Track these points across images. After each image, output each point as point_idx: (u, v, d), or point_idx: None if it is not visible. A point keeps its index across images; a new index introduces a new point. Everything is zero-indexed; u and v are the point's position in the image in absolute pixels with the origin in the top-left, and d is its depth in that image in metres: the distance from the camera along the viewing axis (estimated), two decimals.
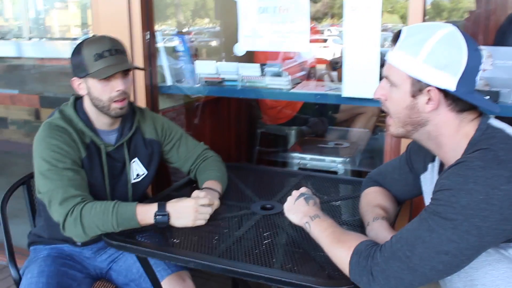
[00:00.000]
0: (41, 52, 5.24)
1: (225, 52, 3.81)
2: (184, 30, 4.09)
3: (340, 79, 3.70)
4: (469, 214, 1.17)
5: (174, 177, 2.91)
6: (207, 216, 1.79)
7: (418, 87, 1.31)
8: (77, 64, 1.86)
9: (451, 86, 1.28)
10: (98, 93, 1.85)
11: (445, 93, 1.30)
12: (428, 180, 1.59)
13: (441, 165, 1.51)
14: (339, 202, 2.01)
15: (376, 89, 1.42)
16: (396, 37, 1.36)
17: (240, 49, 2.52)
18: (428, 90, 1.30)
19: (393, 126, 1.42)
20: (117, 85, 1.84)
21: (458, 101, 1.31)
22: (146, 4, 2.52)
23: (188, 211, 1.76)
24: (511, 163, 1.19)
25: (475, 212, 1.16)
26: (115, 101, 1.85)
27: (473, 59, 1.28)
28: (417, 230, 1.25)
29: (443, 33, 1.28)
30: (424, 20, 2.08)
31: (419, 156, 1.63)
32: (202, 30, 4.64)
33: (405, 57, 1.31)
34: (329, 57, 4.41)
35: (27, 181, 2.26)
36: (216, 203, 1.88)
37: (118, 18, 2.52)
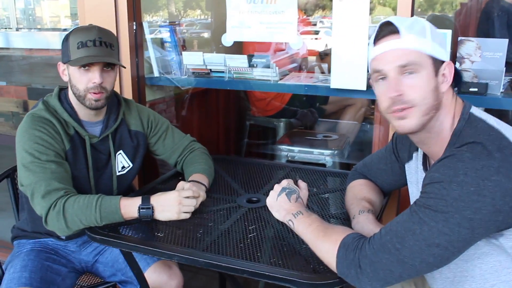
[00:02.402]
0: (30, 43, 5.17)
1: (214, 44, 3.78)
2: (175, 22, 4.05)
3: (329, 70, 3.70)
4: (460, 206, 1.16)
5: (162, 170, 2.89)
6: (192, 209, 1.77)
7: (437, 65, 1.33)
8: (64, 50, 1.84)
9: (448, 59, 1.35)
10: (76, 81, 1.83)
11: (453, 65, 1.35)
12: (413, 169, 1.58)
13: (424, 154, 1.50)
14: (327, 194, 2.00)
15: (391, 87, 1.32)
16: (385, 29, 1.34)
17: (227, 40, 2.49)
18: (445, 66, 1.33)
19: (416, 117, 1.32)
20: (94, 77, 1.80)
21: (455, 75, 1.36)
22: None
23: (171, 204, 1.74)
24: (497, 153, 1.19)
25: (467, 204, 1.16)
26: (90, 92, 1.82)
27: None
28: (407, 223, 1.25)
29: (424, 19, 1.36)
30: (413, 12, 2.06)
31: (404, 145, 1.63)
32: (194, 22, 4.61)
33: (418, 39, 1.31)
34: (321, 49, 4.40)
35: (11, 174, 2.23)
36: (202, 194, 1.85)
37: (104, 8, 2.48)
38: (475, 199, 1.15)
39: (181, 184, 1.86)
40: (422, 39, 1.31)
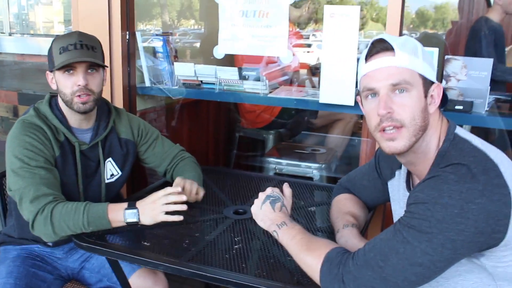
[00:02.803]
0: (22, 48, 5.16)
1: (205, 55, 3.81)
2: (169, 31, 4.07)
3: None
4: (444, 227, 1.18)
5: (151, 179, 2.89)
6: (173, 205, 1.76)
7: (427, 85, 1.34)
8: (49, 59, 1.88)
9: (436, 80, 1.36)
10: (62, 86, 1.85)
11: (441, 87, 1.36)
12: (395, 187, 1.60)
13: (408, 172, 1.52)
14: (314, 208, 2.02)
15: (382, 104, 1.31)
16: (378, 45, 1.35)
17: (219, 52, 2.52)
18: (434, 88, 1.35)
19: (405, 138, 1.32)
20: (78, 79, 1.82)
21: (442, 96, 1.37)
22: (127, 3, 2.51)
23: (155, 202, 1.75)
24: (482, 176, 1.20)
25: (450, 226, 1.17)
26: (77, 96, 1.83)
27: None
28: (391, 241, 1.26)
29: (413, 38, 1.37)
30: (401, 29, 2.10)
31: (387, 162, 1.65)
32: (187, 31, 4.63)
33: (411, 58, 1.32)
34: (312, 62, 4.43)
35: None
36: (201, 192, 1.96)
37: (97, 17, 2.51)
38: (459, 221, 1.17)
39: (178, 180, 1.93)
40: (415, 58, 1.32)
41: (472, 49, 3.42)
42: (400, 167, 1.57)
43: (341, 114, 3.58)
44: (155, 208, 1.75)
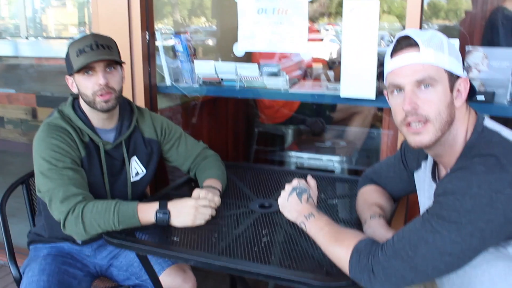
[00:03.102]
0: (38, 51, 5.23)
1: (220, 52, 3.83)
2: (181, 29, 4.10)
3: (337, 78, 3.74)
4: (473, 218, 1.19)
5: (171, 176, 2.93)
6: (207, 217, 1.81)
7: (453, 80, 1.34)
8: (66, 63, 1.91)
9: (463, 74, 1.37)
10: (83, 88, 1.88)
11: (468, 81, 1.37)
12: (421, 178, 1.62)
13: (434, 162, 1.53)
14: (336, 200, 2.04)
15: (407, 100, 1.33)
16: (403, 42, 1.36)
17: (239, 50, 2.54)
18: (460, 82, 1.35)
19: (431, 132, 1.34)
20: (98, 79, 1.85)
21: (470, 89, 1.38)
22: (146, 4, 2.54)
23: (188, 211, 1.78)
24: (511, 167, 1.21)
25: (479, 216, 1.19)
26: (98, 95, 1.86)
27: None
28: (420, 231, 1.27)
29: (440, 33, 1.36)
30: (422, 21, 2.10)
31: (413, 153, 1.66)
32: (199, 29, 4.65)
33: (436, 54, 1.32)
34: (325, 57, 4.43)
35: (26, 180, 2.28)
36: (217, 200, 1.90)
37: (117, 18, 2.53)
38: (488, 211, 1.18)
39: (196, 191, 1.90)
40: (440, 53, 1.33)
41: (489, 40, 3.39)
42: (426, 158, 1.58)
43: (359, 107, 3.59)
44: (187, 216, 1.78)
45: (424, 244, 1.25)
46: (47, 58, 4.97)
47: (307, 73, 3.68)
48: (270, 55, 3.23)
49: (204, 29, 4.67)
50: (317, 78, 3.86)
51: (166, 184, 2.81)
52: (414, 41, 1.33)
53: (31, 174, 2.26)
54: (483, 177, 1.21)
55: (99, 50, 1.85)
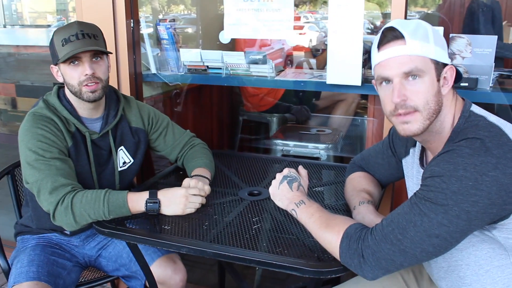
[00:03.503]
0: (17, 40, 5.14)
1: (202, 39, 3.81)
2: (159, 17, 4.06)
3: (319, 66, 3.76)
4: (459, 199, 1.22)
5: (156, 165, 2.93)
6: (197, 205, 1.82)
7: (439, 69, 1.37)
8: (51, 52, 1.88)
9: (449, 61, 1.39)
10: (69, 78, 1.86)
11: (454, 68, 1.40)
12: (410, 164, 1.64)
13: (422, 149, 1.56)
14: (324, 187, 2.06)
15: (396, 93, 1.35)
16: (388, 34, 1.37)
17: (225, 37, 2.53)
18: (446, 70, 1.38)
19: (419, 121, 1.37)
20: (84, 69, 1.83)
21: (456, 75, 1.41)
22: None
23: (178, 200, 1.79)
24: (496, 150, 1.25)
25: (465, 197, 1.22)
26: (85, 85, 1.84)
27: None
28: (408, 214, 1.30)
29: (425, 23, 1.39)
30: (406, 8, 2.12)
31: (402, 140, 1.69)
32: (178, 17, 4.62)
33: (422, 44, 1.34)
34: (305, 44, 4.43)
35: (11, 171, 2.25)
36: (207, 188, 1.90)
37: (102, 6, 2.50)
38: (473, 193, 1.22)
39: (187, 181, 1.90)
40: (426, 44, 1.35)
41: (470, 26, 3.45)
42: (414, 145, 1.61)
43: (343, 95, 3.61)
44: (178, 205, 1.78)
45: (413, 227, 1.28)
46: (25, 47, 4.89)
47: (287, 61, 3.69)
48: (250, 43, 3.22)
49: (182, 16, 4.64)
50: (299, 66, 3.87)
51: (152, 173, 2.81)
52: (400, 33, 1.35)
53: (17, 165, 2.24)
54: (468, 160, 1.24)
55: (85, 40, 1.82)
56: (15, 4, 5.82)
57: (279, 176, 1.74)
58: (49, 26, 5.77)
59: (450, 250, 1.30)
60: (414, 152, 1.61)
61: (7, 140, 4.89)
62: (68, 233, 2.04)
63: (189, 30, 4.21)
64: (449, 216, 1.24)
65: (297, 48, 3.96)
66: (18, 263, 1.92)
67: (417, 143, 1.57)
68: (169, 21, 2.75)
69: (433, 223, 1.25)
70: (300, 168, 1.81)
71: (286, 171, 1.75)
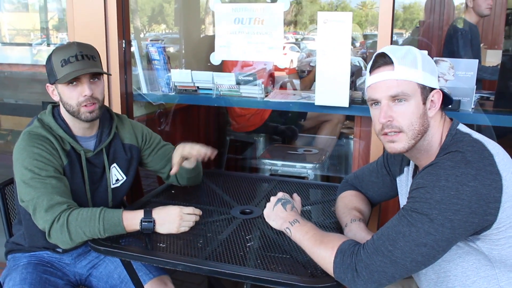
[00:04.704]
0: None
1: (185, 59, 3.86)
2: (141, 36, 4.10)
3: (304, 88, 3.83)
4: (442, 208, 1.31)
5: (145, 182, 2.95)
6: (191, 224, 1.85)
7: (426, 93, 1.46)
8: (48, 71, 1.90)
9: (437, 86, 1.49)
10: (67, 98, 1.88)
11: (441, 92, 1.49)
12: (404, 182, 1.71)
13: (415, 168, 1.63)
14: (310, 206, 2.11)
15: (382, 114, 1.46)
16: (380, 60, 1.48)
17: (216, 59, 2.59)
18: (433, 94, 1.47)
19: (404, 141, 1.46)
20: (83, 90, 1.86)
21: (443, 98, 1.50)
22: (122, 12, 2.56)
23: (173, 218, 1.82)
24: (476, 163, 1.34)
25: (447, 206, 1.31)
26: (83, 106, 1.87)
27: None
28: (397, 226, 1.38)
29: (416, 49, 1.49)
30: (392, 30, 2.21)
31: (396, 159, 1.76)
32: (159, 36, 4.66)
33: (409, 70, 1.44)
34: (285, 65, 4.49)
35: (1, 189, 2.25)
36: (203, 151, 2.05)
37: (94, 26, 2.55)
38: (455, 202, 1.30)
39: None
40: (413, 70, 1.44)
41: (449, 48, 3.57)
42: (408, 164, 1.68)
43: (329, 115, 3.69)
44: (172, 224, 1.81)
45: (402, 237, 1.35)
46: (9, 65, 4.87)
47: (269, 81, 3.75)
48: (234, 62, 3.28)
49: (165, 35, 4.68)
50: (282, 87, 3.93)
51: (140, 191, 2.82)
52: (390, 58, 1.45)
53: (7, 183, 2.24)
54: (450, 171, 1.34)
55: (85, 61, 1.86)
56: None
57: (273, 199, 1.79)
58: (30, 44, 5.77)
59: (437, 259, 1.37)
60: (408, 170, 1.68)
61: None
62: (60, 250, 2.05)
63: (171, 49, 4.26)
64: (435, 224, 1.32)
65: (277, 68, 4.03)
66: (10, 281, 1.91)
67: (411, 161, 1.64)
68: (151, 40, 2.79)
69: (420, 232, 1.33)
70: (295, 195, 1.87)
71: (280, 194, 1.81)
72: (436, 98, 1.48)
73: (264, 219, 1.78)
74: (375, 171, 1.86)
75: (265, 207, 1.79)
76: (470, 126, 2.32)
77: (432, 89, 1.47)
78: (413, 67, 1.44)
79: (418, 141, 1.47)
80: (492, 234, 1.36)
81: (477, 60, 2.27)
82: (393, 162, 1.78)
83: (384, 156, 1.84)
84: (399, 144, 1.47)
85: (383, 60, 1.47)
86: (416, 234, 1.33)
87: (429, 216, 1.32)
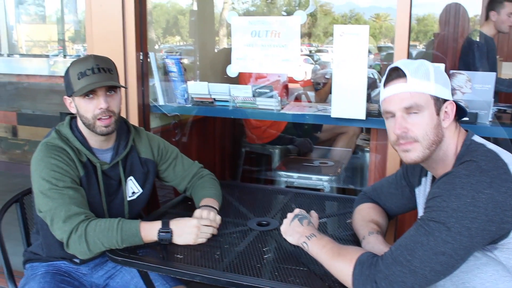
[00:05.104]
0: (18, 69, 5.20)
1: (200, 70, 3.88)
2: (155, 48, 4.14)
3: (320, 100, 3.84)
4: (459, 216, 1.32)
5: (160, 193, 2.95)
6: (209, 235, 1.86)
7: (439, 104, 1.49)
8: (66, 84, 1.93)
9: (451, 98, 1.51)
10: (83, 110, 1.90)
11: (454, 104, 1.52)
12: (422, 193, 1.72)
13: (433, 178, 1.65)
14: (325, 219, 2.10)
15: (397, 126, 1.49)
16: (393, 74, 1.51)
17: (232, 71, 2.61)
18: (447, 105, 1.49)
19: (419, 150, 1.49)
20: (99, 103, 1.88)
21: (457, 109, 1.53)
22: (140, 25, 2.59)
23: (190, 230, 1.83)
24: (491, 171, 1.36)
25: (464, 214, 1.32)
26: (99, 119, 1.89)
27: None
28: (414, 236, 1.39)
29: (428, 62, 1.53)
30: (409, 42, 2.22)
31: (415, 170, 1.77)
32: (173, 48, 4.69)
33: (422, 82, 1.47)
34: (301, 77, 4.49)
35: (20, 199, 2.27)
36: (218, 219, 1.94)
37: (112, 39, 2.58)
38: (471, 210, 1.32)
39: (198, 211, 1.94)
40: (426, 82, 1.48)
41: (465, 61, 3.57)
42: (426, 175, 1.70)
43: (344, 128, 3.69)
44: (190, 235, 1.82)
45: (420, 246, 1.36)
46: (28, 76, 4.94)
47: (283, 93, 3.76)
48: (248, 74, 3.30)
49: (179, 47, 4.72)
50: (297, 99, 3.94)
51: (156, 203, 2.83)
52: (403, 72, 1.49)
53: (25, 193, 2.27)
54: (465, 179, 1.36)
55: (101, 74, 1.88)
56: (16, 33, 5.91)
57: (290, 215, 1.80)
58: (47, 55, 5.86)
59: (457, 268, 1.37)
60: (426, 182, 1.69)
61: (7, 168, 4.90)
62: (77, 261, 2.06)
63: (185, 61, 4.29)
64: (452, 233, 1.32)
65: (291, 80, 4.04)
66: None
67: (428, 172, 1.66)
68: (165, 52, 2.81)
69: (438, 241, 1.33)
70: (312, 212, 1.88)
71: (297, 210, 1.82)
72: (449, 109, 1.51)
73: (282, 235, 1.79)
74: (394, 182, 1.87)
75: (281, 221, 1.79)
76: (487, 139, 2.32)
77: (445, 100, 1.50)
78: (425, 79, 1.47)
79: (433, 151, 1.50)
80: (510, 243, 1.37)
81: (495, 73, 2.27)
82: (413, 173, 1.79)
83: (404, 168, 1.84)
84: (414, 153, 1.50)
85: (396, 73, 1.51)
86: (434, 243, 1.34)
87: (446, 225, 1.33)
